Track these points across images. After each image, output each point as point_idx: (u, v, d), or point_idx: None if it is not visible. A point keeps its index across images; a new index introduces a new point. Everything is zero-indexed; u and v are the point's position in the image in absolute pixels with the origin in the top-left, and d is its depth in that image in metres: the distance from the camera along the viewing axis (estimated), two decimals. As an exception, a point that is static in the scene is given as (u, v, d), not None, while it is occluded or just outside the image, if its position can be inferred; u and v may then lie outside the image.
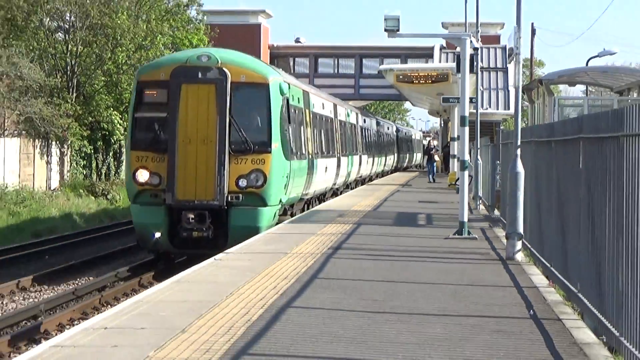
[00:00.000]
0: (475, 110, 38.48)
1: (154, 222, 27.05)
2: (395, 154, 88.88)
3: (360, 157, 57.96)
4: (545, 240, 19.05)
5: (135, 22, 57.14)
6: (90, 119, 57.20)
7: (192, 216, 26.70)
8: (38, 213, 43.05)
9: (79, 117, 55.13)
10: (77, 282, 26.86)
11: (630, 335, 10.89)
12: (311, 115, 37.72)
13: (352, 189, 54.82)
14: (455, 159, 42.94)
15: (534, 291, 16.44)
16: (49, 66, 56.04)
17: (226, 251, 21.87)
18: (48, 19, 58.07)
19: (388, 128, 79.36)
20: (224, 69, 27.44)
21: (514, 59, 23.68)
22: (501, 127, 50.92)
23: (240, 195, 27.07)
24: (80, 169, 57.89)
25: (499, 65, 68.15)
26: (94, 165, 59.68)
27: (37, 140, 53.65)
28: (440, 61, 70.06)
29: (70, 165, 56.12)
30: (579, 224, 14.66)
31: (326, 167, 41.23)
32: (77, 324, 12.95)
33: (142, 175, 27.12)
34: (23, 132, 52.60)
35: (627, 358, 10.98)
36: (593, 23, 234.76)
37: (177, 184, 26.78)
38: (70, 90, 56.18)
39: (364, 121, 63.43)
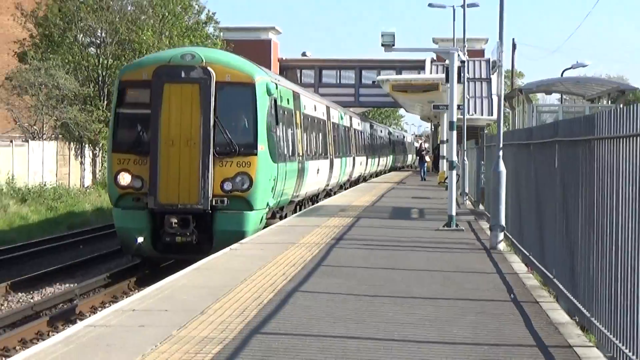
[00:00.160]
0: (462, 116, 38.50)
1: (137, 226, 23.61)
2: (391, 155, 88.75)
3: (354, 158, 54.34)
4: (525, 232, 19.05)
5: (159, 38, 57.07)
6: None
7: (175, 220, 23.31)
8: (73, 208, 43.08)
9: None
10: (108, 268, 26.55)
11: (600, 315, 10.90)
12: (302, 117, 33.60)
13: (346, 189, 50.73)
14: (445, 160, 42.83)
15: (514, 277, 16.44)
16: (82, 77, 56.19)
17: (240, 242, 21.84)
18: (81, 35, 58.22)
19: (381, 131, 78.19)
20: (209, 68, 23.86)
21: (497, 70, 23.65)
22: (485, 131, 50.67)
23: (226, 199, 23.60)
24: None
25: (483, 76, 68.08)
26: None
27: (72, 143, 54.03)
28: (431, 72, 70.01)
29: (102, 165, 56.08)
30: (555, 218, 14.65)
31: (318, 169, 37.30)
32: (108, 307, 12.92)
33: (124, 179, 23.75)
34: (60, 136, 52.96)
35: (597, 336, 11.01)
36: (567, 39, 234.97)
37: (159, 187, 23.34)
38: (102, 98, 56.40)
39: (358, 124, 59.85)
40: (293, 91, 32.22)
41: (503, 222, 21.17)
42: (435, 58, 73.53)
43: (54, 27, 55.22)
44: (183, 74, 23.75)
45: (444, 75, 32.99)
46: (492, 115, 61.57)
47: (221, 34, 67.48)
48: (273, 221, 26.92)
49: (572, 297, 12.74)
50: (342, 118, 49.30)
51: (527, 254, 18.02)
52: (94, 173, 56.50)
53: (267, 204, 25.11)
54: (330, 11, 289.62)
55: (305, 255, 18.77)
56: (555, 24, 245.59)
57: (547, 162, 15.41)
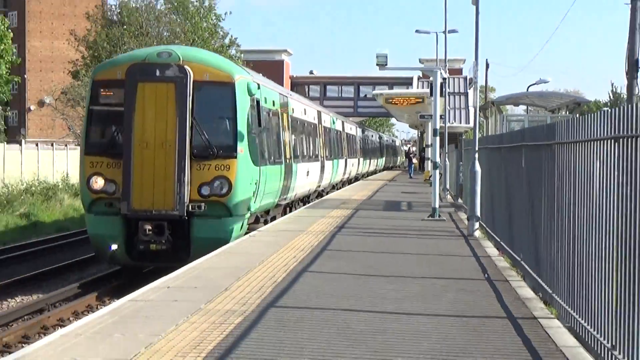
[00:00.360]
0: (444, 124, 38.38)
1: (110, 233, 19.50)
2: (382, 157, 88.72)
3: (345, 160, 48.68)
4: (497, 222, 19.04)
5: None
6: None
7: (150, 227, 19.10)
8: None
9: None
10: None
11: (559, 291, 10.91)
12: (290, 120, 28.45)
13: (338, 189, 46.07)
14: (429, 161, 42.84)
15: (488, 259, 16.43)
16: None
17: (259, 229, 21.77)
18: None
19: (372, 136, 76.84)
20: (186, 66, 19.50)
21: (473, 86, 23.78)
22: (463, 137, 50.74)
23: (203, 204, 19.19)
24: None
25: (462, 90, 67.92)
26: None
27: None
28: (418, 87, 69.83)
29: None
30: (522, 210, 14.64)
31: (308, 171, 32.05)
32: (146, 284, 12.93)
33: (97, 183, 19.57)
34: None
35: (557, 308, 11.01)
36: (532, 59, 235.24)
37: (132, 192, 19.08)
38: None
39: (350, 129, 54.47)
40: (280, 93, 27.46)
41: (478, 213, 21.20)
42: (421, 75, 73.35)
43: (101, 49, 55.12)
44: (158, 73, 19.52)
45: (428, 90, 33.02)
46: (469, 123, 61.48)
47: (242, 55, 67.46)
48: (257, 226, 22.40)
49: (536, 277, 12.74)
50: (334, 122, 44.36)
51: (499, 240, 18.02)
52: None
53: (249, 209, 20.68)
54: (334, 35, 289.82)
55: (313, 241, 18.76)
56: (522, 46, 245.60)
57: (515, 163, 15.40)
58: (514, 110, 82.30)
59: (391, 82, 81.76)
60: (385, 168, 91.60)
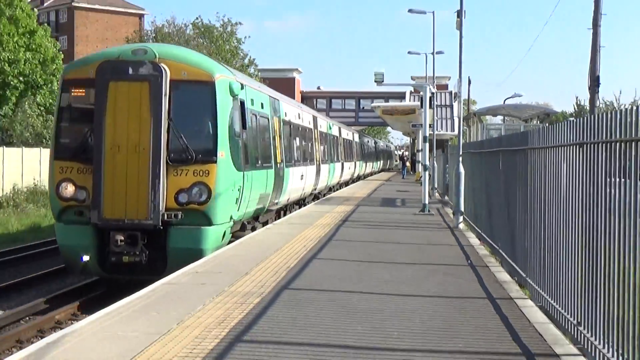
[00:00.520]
0: (432, 132, 38.34)
1: (81, 243, 15.85)
2: (380, 160, 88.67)
3: (342, 164, 44.14)
4: (478, 215, 19.02)
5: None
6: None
7: (122, 238, 15.53)
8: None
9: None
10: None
11: (532, 276, 10.90)
12: (281, 123, 24.13)
13: (336, 190, 42.06)
14: (420, 163, 42.80)
15: (471, 248, 16.42)
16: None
17: (274, 222, 21.74)
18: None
19: (368, 141, 74.81)
20: (162, 64, 15.88)
21: (457, 99, 23.73)
22: (449, 143, 50.70)
23: (180, 212, 15.57)
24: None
25: (448, 103, 67.57)
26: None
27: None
28: (410, 101, 69.65)
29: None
30: (500, 205, 14.63)
31: (302, 175, 27.78)
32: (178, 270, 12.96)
33: (67, 190, 16.02)
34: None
35: (530, 290, 11.00)
36: (508, 75, 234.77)
37: (103, 200, 15.45)
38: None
39: (347, 134, 49.82)
40: (270, 96, 22.91)
41: (462, 209, 21.24)
42: (413, 90, 73.03)
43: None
44: (131, 71, 15.87)
45: (419, 103, 32.92)
46: (454, 131, 61.21)
47: (259, 73, 67.52)
48: (243, 233, 18.68)
49: (512, 263, 12.73)
50: (330, 128, 39.76)
51: (480, 232, 18.00)
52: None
53: (231, 217, 16.91)
54: (338, 55, 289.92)
55: (320, 232, 18.75)
56: (500, 64, 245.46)
57: (494, 165, 15.38)
58: (492, 120, 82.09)
59: (387, 96, 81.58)
60: (382, 170, 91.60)
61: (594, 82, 29.54)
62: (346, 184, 50.29)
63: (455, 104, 66.52)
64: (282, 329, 8.64)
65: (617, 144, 7.08)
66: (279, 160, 22.66)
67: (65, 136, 16.87)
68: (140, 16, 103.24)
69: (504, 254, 13.80)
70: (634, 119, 6.65)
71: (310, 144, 31.19)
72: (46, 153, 37.83)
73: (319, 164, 33.15)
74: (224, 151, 16.30)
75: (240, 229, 18.49)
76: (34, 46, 52.24)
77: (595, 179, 7.73)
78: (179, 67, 16.16)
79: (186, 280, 11.91)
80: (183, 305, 9.88)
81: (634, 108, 6.66)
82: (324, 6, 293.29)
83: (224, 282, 11.56)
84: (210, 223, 15.89)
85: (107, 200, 15.53)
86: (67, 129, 16.99)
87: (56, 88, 53.32)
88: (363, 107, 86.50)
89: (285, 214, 25.67)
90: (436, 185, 38.58)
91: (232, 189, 16.66)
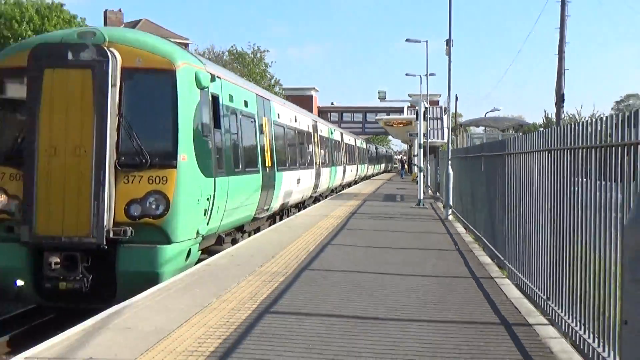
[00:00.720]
0: (426, 140, 38.26)
1: (13, 265, 10.83)
2: (382, 163, 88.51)
3: (344, 167, 38.60)
4: (464, 208, 18.96)
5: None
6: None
7: (57, 260, 10.54)
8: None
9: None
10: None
11: (509, 258, 10.85)
12: (272, 125, 18.64)
13: (337, 192, 37.14)
14: (416, 166, 42.71)
15: (458, 236, 16.38)
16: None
17: (296, 214, 21.65)
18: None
19: (371, 147, 72.60)
20: (111, 49, 11.02)
21: (447, 113, 23.65)
22: (440, 149, 50.51)
23: (131, 228, 10.71)
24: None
25: (438, 116, 67.46)
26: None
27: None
28: (407, 114, 69.58)
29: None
30: (482, 200, 14.58)
31: (299, 179, 22.28)
32: (216, 254, 12.97)
33: None
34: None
35: (508, 271, 10.94)
36: (489, 92, 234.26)
37: (36, 213, 10.54)
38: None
39: (349, 140, 44.37)
40: (257, 95, 17.38)
41: (451, 203, 21.19)
42: (410, 106, 72.85)
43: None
44: (70, 55, 10.76)
45: (415, 116, 32.89)
46: (444, 139, 61.19)
47: (283, 92, 67.56)
48: (221, 247, 13.78)
49: (492, 248, 12.68)
50: (332, 133, 34.19)
51: (466, 222, 17.96)
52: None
53: (197, 232, 11.84)
54: (349, 75, 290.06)
55: (334, 222, 18.75)
56: (483, 82, 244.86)
57: (477, 167, 15.34)
58: (475, 130, 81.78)
59: (388, 110, 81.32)
60: (384, 171, 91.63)
61: (560, 99, 29.44)
62: (355, 182, 49.11)
63: (445, 117, 66.43)
64: (302, 302, 8.65)
65: (579, 150, 7.09)
66: (268, 164, 17.49)
67: None
68: (186, 45, 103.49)
69: (485, 240, 13.76)
70: (592, 130, 6.68)
71: (309, 148, 25.90)
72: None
73: (319, 167, 27.96)
74: (186, 154, 11.27)
75: (216, 243, 13.67)
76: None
77: (561, 179, 7.72)
78: (133, 53, 11.14)
79: (224, 262, 11.92)
80: (221, 283, 9.91)
81: (592, 121, 6.68)
82: (337, 36, 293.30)
83: (255, 264, 11.57)
84: (168, 240, 10.91)
85: (41, 213, 10.59)
86: None
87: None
88: (368, 120, 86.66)
89: (282, 219, 20.82)
90: (429, 184, 38.50)
91: (199, 198, 11.66)
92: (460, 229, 18.06)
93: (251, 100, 16.44)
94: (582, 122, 6.98)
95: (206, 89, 12.31)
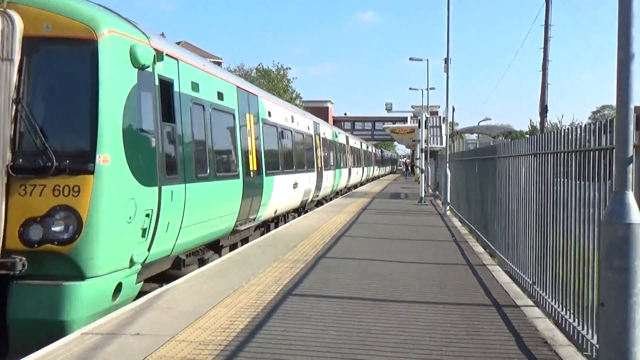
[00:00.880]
0: (427, 145, 38.15)
1: None
2: (388, 166, 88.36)
3: (349, 169, 33.76)
4: (460, 205, 18.87)
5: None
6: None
7: None
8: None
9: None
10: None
11: (500, 248, 10.78)
12: (261, 124, 14.27)
13: (343, 194, 32.49)
14: (418, 168, 42.57)
15: (455, 229, 16.29)
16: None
17: (313, 210, 21.54)
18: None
19: (378, 151, 67.91)
20: (9, 10, 6.41)
21: (445, 121, 23.53)
22: (439, 153, 50.31)
23: (28, 258, 6.14)
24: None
25: (438, 125, 67.29)
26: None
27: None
28: (411, 123, 69.42)
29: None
30: (476, 198, 14.51)
31: (295, 183, 17.92)
32: (244, 244, 12.95)
33: None
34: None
35: (498, 259, 10.88)
36: (483, 103, 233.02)
37: None
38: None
39: (355, 143, 39.18)
40: (238, 87, 12.50)
41: (449, 200, 21.09)
42: (413, 115, 72.84)
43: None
44: None
45: (417, 125, 32.81)
46: (442, 145, 61.11)
47: (303, 104, 67.53)
48: (182, 272, 9.59)
49: (485, 239, 12.61)
50: (336, 136, 29.06)
51: (462, 217, 17.86)
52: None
53: (132, 260, 7.46)
54: (360, 89, 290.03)
55: (347, 217, 18.71)
56: (477, 94, 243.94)
57: (472, 169, 15.27)
58: (469, 137, 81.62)
59: (394, 119, 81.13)
60: (390, 172, 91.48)
61: (543, 109, 29.27)
62: (362, 184, 45.98)
63: (443, 125, 66.18)
64: (320, 286, 8.63)
65: (561, 154, 7.05)
66: (253, 167, 13.20)
67: None
68: (219, 63, 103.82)
69: (479, 233, 13.69)
70: (572, 136, 6.65)
71: (309, 150, 21.40)
72: None
73: (321, 170, 23.50)
74: (110, 154, 6.99)
75: (172, 268, 9.50)
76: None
77: (545, 179, 7.67)
78: (40, 16, 6.92)
79: (251, 251, 11.91)
80: (250, 269, 9.91)
81: (572, 129, 6.66)
82: (350, 56, 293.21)
83: (279, 252, 11.56)
84: (80, 275, 6.74)
85: None
86: None
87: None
88: (377, 128, 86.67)
89: (277, 226, 17.21)
90: (429, 184, 38.36)
91: (130, 215, 7.39)
92: (456, 222, 17.96)
93: (229, 93, 11.74)
94: (564, 129, 6.94)
95: (148, 69, 7.93)
